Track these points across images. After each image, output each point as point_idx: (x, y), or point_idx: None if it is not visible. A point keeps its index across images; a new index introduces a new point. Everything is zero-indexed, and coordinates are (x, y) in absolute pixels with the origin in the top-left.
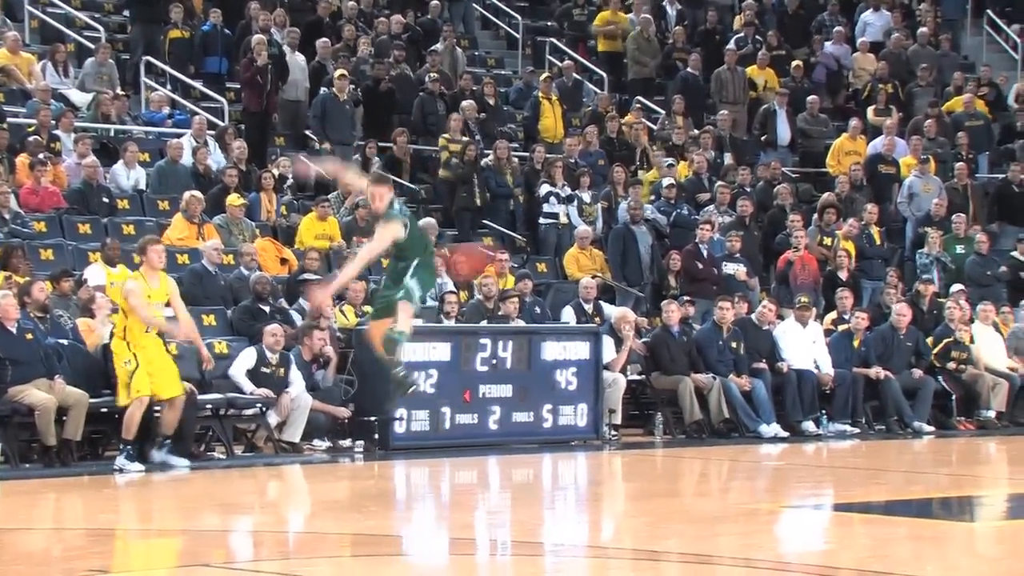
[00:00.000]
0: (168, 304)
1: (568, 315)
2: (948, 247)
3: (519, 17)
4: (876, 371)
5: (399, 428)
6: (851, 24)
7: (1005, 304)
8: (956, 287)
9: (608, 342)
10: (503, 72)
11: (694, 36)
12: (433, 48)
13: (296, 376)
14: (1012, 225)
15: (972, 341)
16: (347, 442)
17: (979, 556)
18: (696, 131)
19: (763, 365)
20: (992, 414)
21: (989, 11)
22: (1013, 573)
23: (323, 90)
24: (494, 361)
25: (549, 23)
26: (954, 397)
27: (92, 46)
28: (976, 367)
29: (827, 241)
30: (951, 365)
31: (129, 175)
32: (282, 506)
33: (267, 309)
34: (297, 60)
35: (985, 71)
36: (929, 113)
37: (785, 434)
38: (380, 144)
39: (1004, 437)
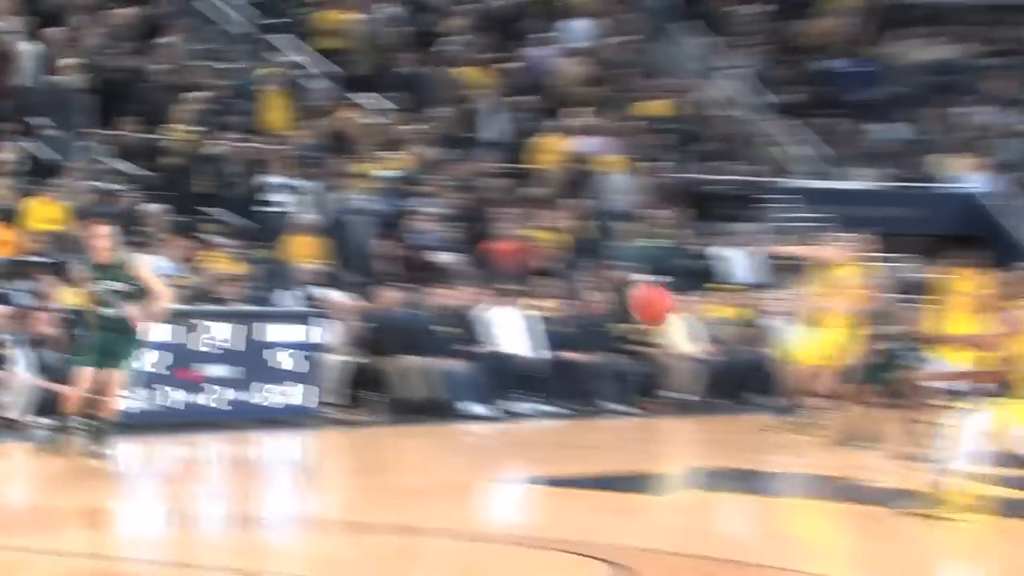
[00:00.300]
0: None
1: (289, 299)
2: (646, 240)
3: (248, 12)
4: (577, 354)
5: (122, 406)
6: (559, 30)
7: (697, 293)
8: (653, 277)
9: (327, 325)
10: (231, 65)
11: (413, 36)
12: (163, 40)
13: (21, 355)
14: (705, 221)
15: (666, 327)
16: (72, 420)
17: (674, 527)
18: (413, 127)
19: (473, 348)
20: (684, 396)
21: (688, 22)
22: (705, 540)
23: (53, 78)
24: (216, 342)
25: (276, 19)
26: (649, 379)
27: None
28: (670, 351)
29: (533, 233)
30: (647, 349)
31: None
32: (2, 482)
33: None
34: (27, 48)
35: (684, 77)
36: (631, 115)
37: (493, 414)
38: (109, 132)
39: (696, 417)
